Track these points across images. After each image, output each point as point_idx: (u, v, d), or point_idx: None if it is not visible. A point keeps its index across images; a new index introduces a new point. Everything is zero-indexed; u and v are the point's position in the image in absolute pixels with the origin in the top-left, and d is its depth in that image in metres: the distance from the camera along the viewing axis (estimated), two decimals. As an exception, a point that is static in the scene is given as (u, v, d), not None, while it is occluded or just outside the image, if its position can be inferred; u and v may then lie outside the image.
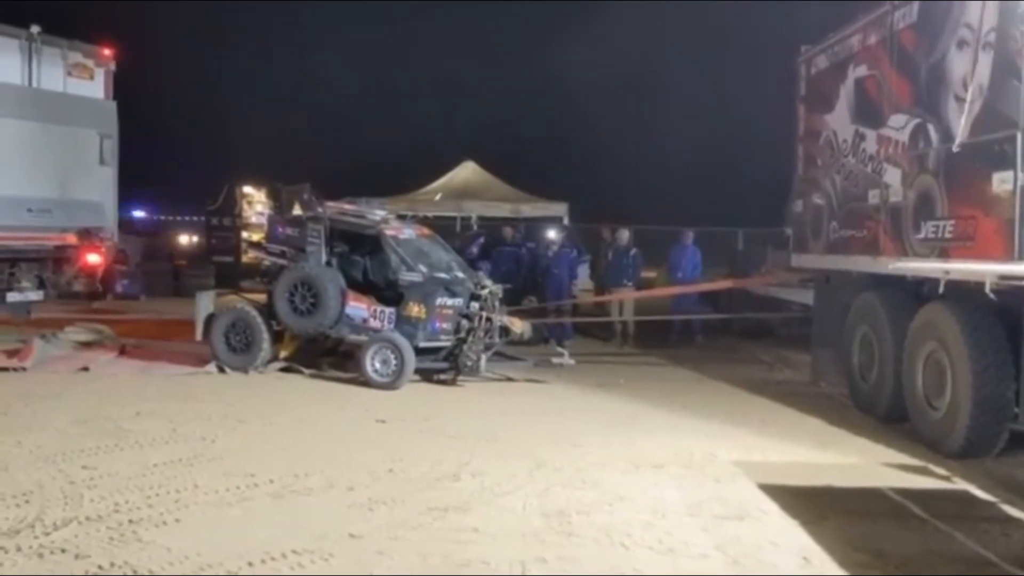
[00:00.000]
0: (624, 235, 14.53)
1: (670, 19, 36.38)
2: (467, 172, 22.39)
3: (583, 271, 16.67)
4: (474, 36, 42.17)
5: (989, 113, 6.53)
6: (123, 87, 13.40)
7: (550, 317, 13.48)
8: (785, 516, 5.27)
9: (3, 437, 6.76)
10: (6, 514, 4.97)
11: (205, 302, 10.59)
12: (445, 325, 9.82)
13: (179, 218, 34.26)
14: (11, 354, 10.41)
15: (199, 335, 10.41)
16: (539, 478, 6.01)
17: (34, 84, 12.21)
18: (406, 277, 9.89)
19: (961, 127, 6.77)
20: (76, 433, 6.98)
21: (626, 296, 13.99)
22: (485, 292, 10.01)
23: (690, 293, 14.02)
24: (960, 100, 6.88)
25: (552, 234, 15.26)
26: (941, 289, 6.87)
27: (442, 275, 10.05)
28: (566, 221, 20.34)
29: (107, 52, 13.19)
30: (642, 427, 7.81)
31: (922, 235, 7.41)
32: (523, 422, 7.97)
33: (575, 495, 5.63)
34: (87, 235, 12.69)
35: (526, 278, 14.25)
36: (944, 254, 7.04)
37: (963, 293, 6.74)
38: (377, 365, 9.43)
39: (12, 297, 12.25)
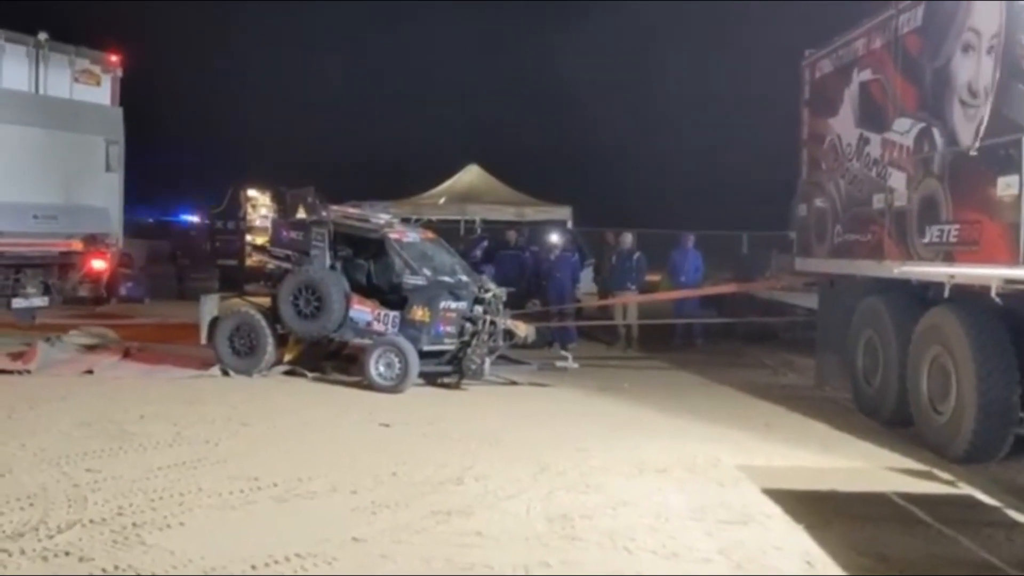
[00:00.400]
0: (627, 239, 14.53)
1: (674, 23, 36.40)
2: (471, 176, 22.45)
3: (586, 275, 16.68)
4: (478, 39, 42.23)
5: (994, 117, 6.52)
6: (129, 92, 13.46)
7: (553, 321, 13.48)
8: (789, 520, 5.26)
9: (7, 440, 6.77)
10: (10, 517, 4.98)
11: (209, 306, 10.61)
12: (449, 329, 9.82)
13: (182, 220, 34.28)
14: (15, 357, 10.43)
15: (203, 338, 10.43)
16: (543, 482, 6.00)
17: (41, 90, 12.27)
18: (410, 281, 9.90)
19: (974, 131, 6.74)
20: (80, 436, 6.99)
21: (629, 300, 13.99)
22: (489, 296, 10.01)
23: (693, 297, 14.02)
24: (965, 104, 6.87)
25: (554, 238, 15.26)
26: (946, 293, 6.86)
27: (446, 279, 10.06)
28: (570, 225, 20.38)
29: (114, 58, 13.24)
30: (646, 431, 7.80)
31: (927, 239, 7.39)
32: (527, 426, 7.96)
33: (579, 499, 5.62)
34: (93, 241, 12.73)
35: (530, 282, 14.25)
36: (949, 258, 7.02)
37: (968, 297, 6.73)
38: (381, 368, 9.43)
39: (17, 303, 12.29)
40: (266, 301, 10.57)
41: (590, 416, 8.50)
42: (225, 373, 10.02)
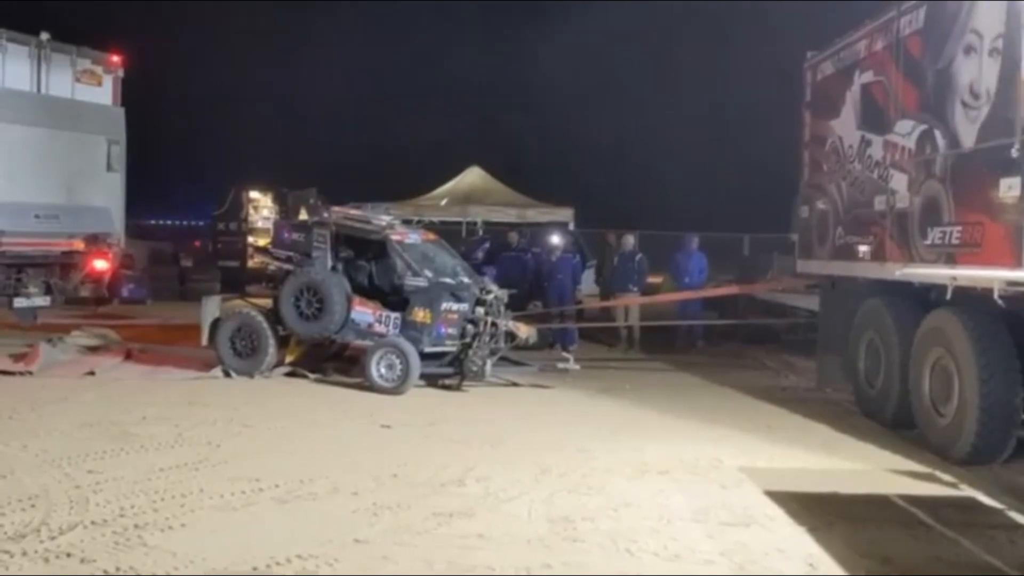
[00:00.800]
0: (629, 240, 14.53)
1: (677, 24, 36.39)
2: (473, 177, 22.45)
3: (587, 276, 16.67)
4: (480, 41, 42.24)
5: (996, 119, 6.52)
6: (130, 92, 13.48)
7: (555, 322, 13.47)
8: (791, 522, 5.26)
9: (9, 441, 6.77)
10: (12, 518, 4.98)
11: (211, 307, 10.61)
12: (450, 330, 9.82)
13: (185, 222, 34.34)
14: (17, 358, 10.43)
15: (205, 340, 10.43)
16: (544, 484, 6.00)
17: (43, 90, 12.29)
18: (411, 282, 9.90)
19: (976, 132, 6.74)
20: (82, 437, 6.99)
21: (631, 301, 13.98)
22: (490, 297, 10.01)
23: (695, 299, 14.01)
24: (967, 106, 6.87)
25: (554, 239, 15.24)
26: (948, 295, 6.85)
27: (448, 280, 10.06)
28: (572, 226, 20.37)
29: (115, 58, 13.26)
30: (648, 433, 7.80)
31: (929, 241, 7.39)
32: (528, 427, 7.96)
33: (580, 501, 5.62)
34: (94, 241, 12.74)
35: (531, 283, 14.24)
36: (951, 260, 7.02)
37: (970, 299, 6.72)
38: (382, 370, 9.43)
39: (19, 303, 12.30)
40: (268, 302, 10.57)
41: (592, 418, 8.50)
42: (227, 374, 10.02)
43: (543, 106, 40.49)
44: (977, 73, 6.76)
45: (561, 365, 10.50)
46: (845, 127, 9.32)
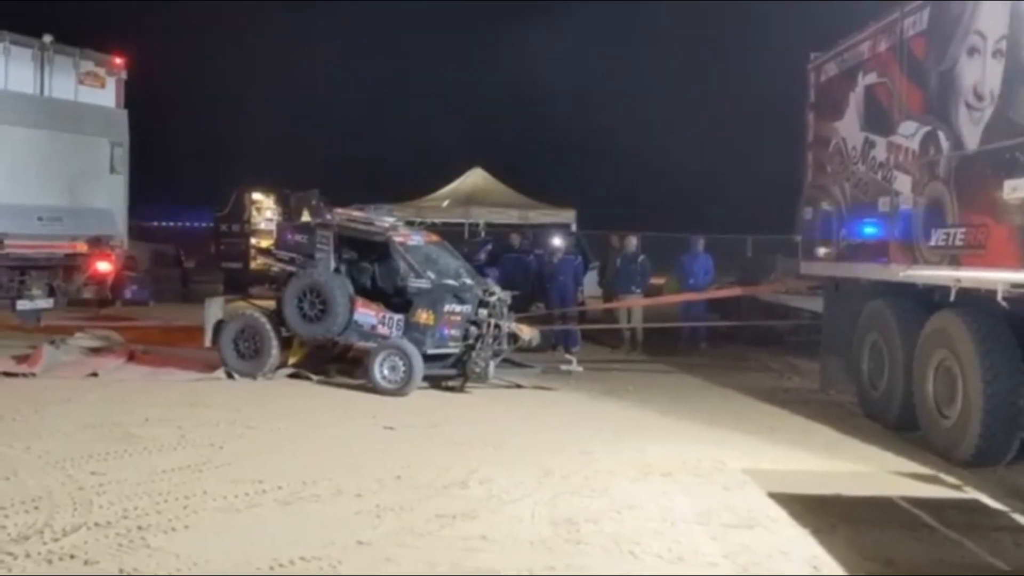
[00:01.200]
0: (632, 242, 14.52)
1: (680, 25, 36.41)
2: (475, 178, 22.47)
3: (590, 278, 16.66)
4: (483, 42, 42.29)
5: (1000, 120, 6.51)
6: (133, 94, 13.49)
7: (557, 324, 13.47)
8: (794, 524, 5.25)
9: (12, 443, 6.78)
10: (15, 520, 4.98)
11: (214, 308, 10.62)
12: (453, 332, 9.81)
13: (188, 224, 34.38)
14: (20, 360, 10.44)
15: (208, 341, 10.44)
16: (547, 486, 5.99)
17: (46, 93, 12.30)
18: (414, 284, 9.90)
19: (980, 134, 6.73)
20: (85, 439, 6.99)
21: (634, 303, 13.98)
22: (493, 299, 10.01)
23: (698, 300, 14.01)
24: (971, 107, 6.86)
25: (556, 241, 15.24)
26: (952, 297, 6.84)
27: (450, 282, 10.05)
28: (574, 227, 20.37)
29: (118, 61, 13.27)
30: (650, 434, 7.79)
31: (933, 242, 7.38)
32: (531, 429, 7.96)
33: (583, 503, 5.62)
34: (97, 243, 12.76)
35: (534, 285, 14.25)
36: (955, 262, 7.01)
37: (974, 301, 6.70)
38: (385, 371, 9.43)
39: (22, 305, 12.32)
40: (271, 304, 10.57)
41: (594, 419, 8.49)
42: (229, 376, 10.02)
43: (545, 107, 40.53)
44: (981, 74, 6.76)
45: (564, 367, 10.49)
46: (849, 128, 9.31)
